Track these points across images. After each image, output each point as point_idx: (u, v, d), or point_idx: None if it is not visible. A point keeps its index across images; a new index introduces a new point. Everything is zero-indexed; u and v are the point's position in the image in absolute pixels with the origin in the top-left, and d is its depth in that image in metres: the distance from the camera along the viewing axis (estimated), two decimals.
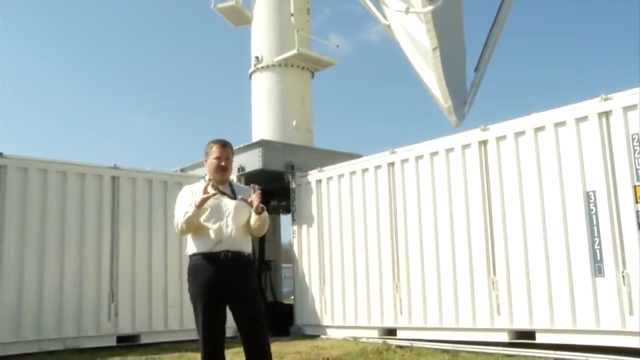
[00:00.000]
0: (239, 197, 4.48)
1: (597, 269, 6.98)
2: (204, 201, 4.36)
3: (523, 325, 7.60)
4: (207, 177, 4.69)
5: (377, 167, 9.66)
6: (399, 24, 11.92)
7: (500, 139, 8.09)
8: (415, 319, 8.79)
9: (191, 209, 4.39)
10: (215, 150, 4.62)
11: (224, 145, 4.67)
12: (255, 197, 4.43)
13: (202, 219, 4.45)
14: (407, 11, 10.17)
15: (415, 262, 8.89)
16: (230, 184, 4.71)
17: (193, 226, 4.45)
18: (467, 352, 7.65)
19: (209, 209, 4.45)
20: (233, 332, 4.74)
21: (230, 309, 4.44)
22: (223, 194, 4.53)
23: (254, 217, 4.48)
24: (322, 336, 10.02)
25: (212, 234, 4.42)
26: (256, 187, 4.49)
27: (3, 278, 8.58)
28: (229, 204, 4.48)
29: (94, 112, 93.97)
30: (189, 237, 4.57)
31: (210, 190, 4.45)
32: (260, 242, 12.23)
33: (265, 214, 4.54)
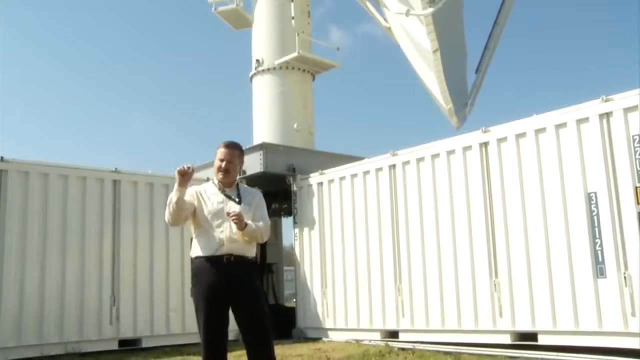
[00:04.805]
0: (232, 214, 4.34)
1: (599, 270, 6.97)
2: (181, 177, 4.30)
3: (525, 327, 7.60)
4: (214, 180, 4.66)
5: (379, 170, 9.65)
6: (400, 26, 11.90)
7: (501, 140, 8.09)
8: (418, 321, 8.79)
9: (174, 194, 4.35)
10: (220, 152, 4.61)
11: (228, 146, 4.62)
12: (232, 220, 4.31)
13: (206, 222, 4.45)
14: (407, 13, 10.13)
15: (417, 264, 8.89)
16: (238, 187, 4.67)
17: (180, 212, 4.41)
18: (470, 354, 7.64)
19: (212, 213, 4.45)
20: (235, 335, 4.73)
21: (233, 311, 4.42)
22: (228, 197, 4.52)
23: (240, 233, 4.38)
24: (325, 339, 10.01)
25: (215, 238, 4.41)
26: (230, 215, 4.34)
27: (4, 282, 8.58)
28: (233, 208, 4.44)
29: (94, 114, 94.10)
30: (194, 240, 4.56)
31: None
32: (262, 245, 12.20)
33: (252, 227, 4.41)
